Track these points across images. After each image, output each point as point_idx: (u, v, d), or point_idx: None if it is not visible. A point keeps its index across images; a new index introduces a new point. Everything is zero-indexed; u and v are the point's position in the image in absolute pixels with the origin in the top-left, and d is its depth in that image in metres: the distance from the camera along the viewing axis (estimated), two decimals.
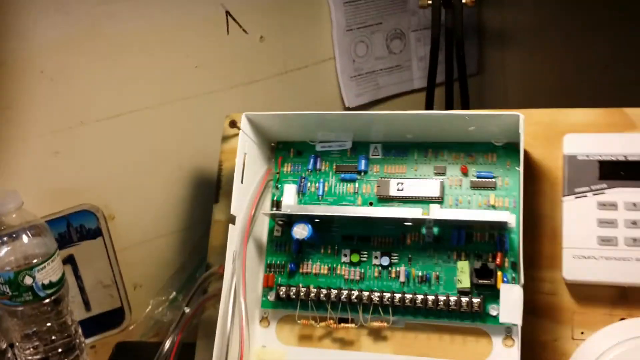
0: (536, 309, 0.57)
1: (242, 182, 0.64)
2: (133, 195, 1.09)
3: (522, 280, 0.53)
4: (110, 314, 1.08)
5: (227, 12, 1.08)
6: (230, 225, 0.62)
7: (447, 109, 1.22)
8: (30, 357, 0.86)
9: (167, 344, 0.67)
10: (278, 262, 0.66)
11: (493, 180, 0.60)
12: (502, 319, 0.53)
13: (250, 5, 1.11)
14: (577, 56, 1.46)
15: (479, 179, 0.61)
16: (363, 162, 0.65)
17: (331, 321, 0.61)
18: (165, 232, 1.13)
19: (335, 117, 0.63)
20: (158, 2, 1.03)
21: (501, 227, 0.57)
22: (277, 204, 0.67)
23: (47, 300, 0.84)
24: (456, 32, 1.16)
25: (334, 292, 0.61)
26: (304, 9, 1.18)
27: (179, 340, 0.64)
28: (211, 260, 0.74)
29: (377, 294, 0.59)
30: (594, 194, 0.54)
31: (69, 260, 1.03)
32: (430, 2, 1.14)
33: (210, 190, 1.16)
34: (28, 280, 0.81)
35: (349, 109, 1.24)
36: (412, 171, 0.64)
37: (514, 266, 0.57)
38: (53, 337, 0.87)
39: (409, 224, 0.61)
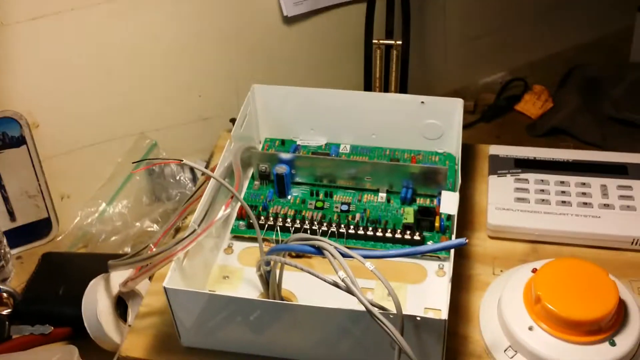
0: (465, 255, 0.67)
1: (241, 127, 0.72)
2: (58, 103, 1.04)
3: (458, 188, 0.66)
4: (37, 224, 1.05)
5: None
6: (228, 143, 0.68)
7: (387, 20, 1.19)
8: None
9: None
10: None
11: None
12: (442, 210, 0.64)
13: None
14: None
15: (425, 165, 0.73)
16: (334, 150, 0.77)
17: None
18: (93, 142, 1.10)
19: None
20: None
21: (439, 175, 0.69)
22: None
23: None
24: None
25: (298, 222, 0.68)
26: None
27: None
28: None
29: (334, 225, 0.68)
30: (512, 175, 0.72)
31: None
32: None
33: (141, 99, 1.13)
34: None
35: (287, 17, 1.20)
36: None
37: (452, 186, 0.70)
38: None
39: (369, 178, 0.71)
